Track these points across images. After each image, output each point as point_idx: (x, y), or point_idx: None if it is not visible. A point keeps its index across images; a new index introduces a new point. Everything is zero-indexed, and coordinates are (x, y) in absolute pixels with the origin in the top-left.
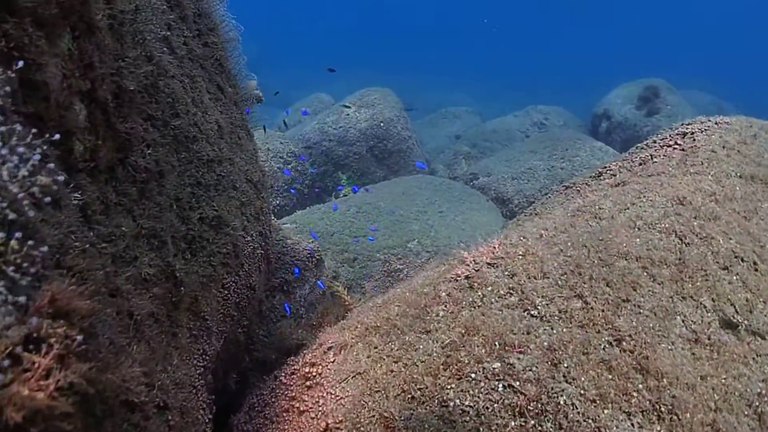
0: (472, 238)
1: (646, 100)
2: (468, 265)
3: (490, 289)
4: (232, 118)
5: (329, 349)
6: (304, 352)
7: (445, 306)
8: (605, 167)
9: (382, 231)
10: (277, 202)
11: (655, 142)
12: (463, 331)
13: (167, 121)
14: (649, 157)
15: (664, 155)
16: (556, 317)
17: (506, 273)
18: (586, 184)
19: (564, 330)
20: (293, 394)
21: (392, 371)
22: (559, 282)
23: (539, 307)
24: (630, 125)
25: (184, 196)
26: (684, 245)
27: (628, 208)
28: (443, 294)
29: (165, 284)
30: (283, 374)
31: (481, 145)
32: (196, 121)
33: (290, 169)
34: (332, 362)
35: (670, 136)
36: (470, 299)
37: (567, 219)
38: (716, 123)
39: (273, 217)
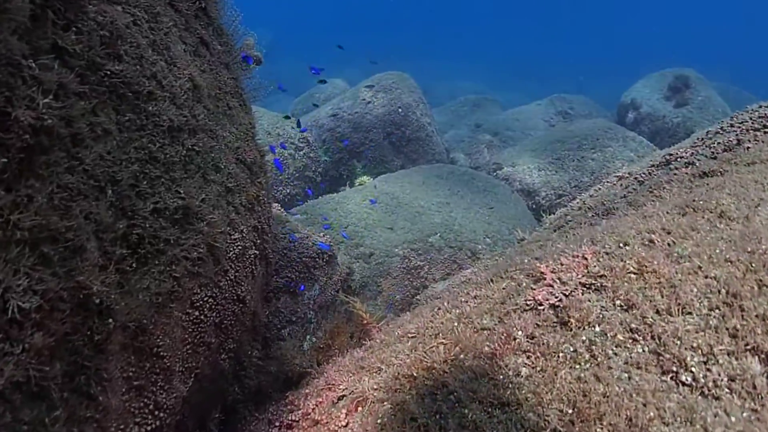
0: (499, 233)
1: (675, 90)
2: (551, 285)
3: (598, 330)
4: (220, 82)
5: (339, 399)
6: (306, 392)
7: (529, 358)
8: (672, 154)
9: (401, 224)
10: (287, 191)
11: (732, 126)
12: (570, 412)
13: (97, 63)
14: (736, 142)
15: (755, 140)
16: (727, 390)
17: (618, 303)
18: (649, 173)
19: (752, 418)
20: None
21: None
22: (711, 322)
23: (693, 370)
24: (659, 116)
25: (127, 177)
26: None
27: (759, 205)
28: (520, 335)
29: (69, 319)
30: (278, 423)
31: (504, 134)
32: (154, 73)
33: (303, 156)
34: (344, 426)
35: (750, 119)
36: (569, 348)
37: (679, 219)
38: None
39: (280, 208)
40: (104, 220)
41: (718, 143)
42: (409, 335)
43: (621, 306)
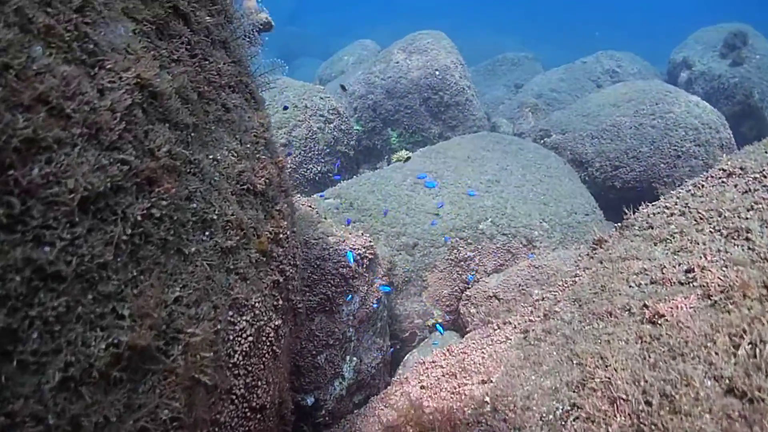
0: (557, 216)
1: (732, 47)
2: None
3: None
4: (210, 73)
5: None
6: None
7: None
8: None
9: (447, 208)
10: (317, 169)
11: None
12: None
13: None
14: None
15: None
16: None
17: None
18: None
19: None
20: None
21: None
22: None
23: None
24: (714, 76)
25: None
26: None
27: None
28: None
29: None
30: None
31: (548, 96)
32: (46, 91)
33: (333, 129)
34: None
35: None
36: None
37: None
38: None
39: (309, 205)
40: None
41: None
42: None
43: None
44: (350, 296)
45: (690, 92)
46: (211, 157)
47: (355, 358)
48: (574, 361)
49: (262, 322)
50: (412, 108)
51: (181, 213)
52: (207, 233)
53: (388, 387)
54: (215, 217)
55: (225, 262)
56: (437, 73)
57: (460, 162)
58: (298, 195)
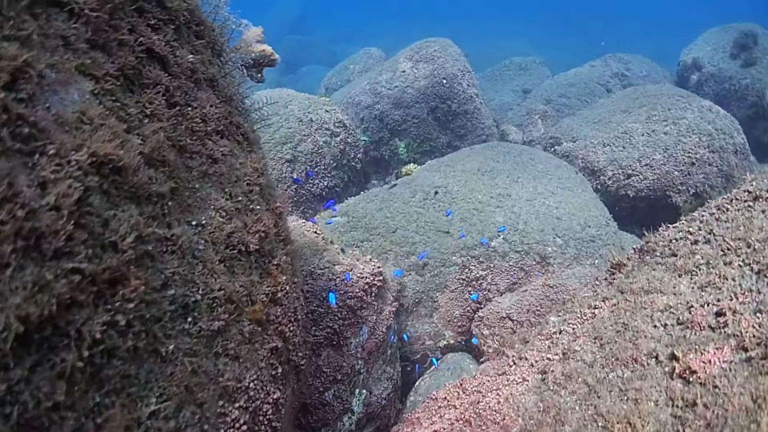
0: (570, 230)
1: (743, 47)
2: None
3: None
4: (194, 122)
5: None
6: None
7: None
8: None
9: (458, 225)
10: (324, 183)
11: None
12: None
13: None
14: None
15: None
16: None
17: None
18: None
19: None
20: None
21: None
22: None
23: None
24: (725, 77)
25: None
26: None
27: None
28: None
29: None
30: None
31: (557, 102)
32: None
33: (339, 142)
34: None
35: None
36: None
37: None
38: None
39: (316, 231)
40: None
41: None
42: None
43: None
44: (362, 327)
45: (701, 94)
46: (194, 223)
47: (364, 391)
48: (599, 424)
49: (259, 401)
50: (420, 118)
51: (156, 307)
52: (189, 319)
53: (399, 425)
54: (199, 297)
55: (212, 347)
56: (444, 81)
57: (470, 175)
58: (302, 220)
